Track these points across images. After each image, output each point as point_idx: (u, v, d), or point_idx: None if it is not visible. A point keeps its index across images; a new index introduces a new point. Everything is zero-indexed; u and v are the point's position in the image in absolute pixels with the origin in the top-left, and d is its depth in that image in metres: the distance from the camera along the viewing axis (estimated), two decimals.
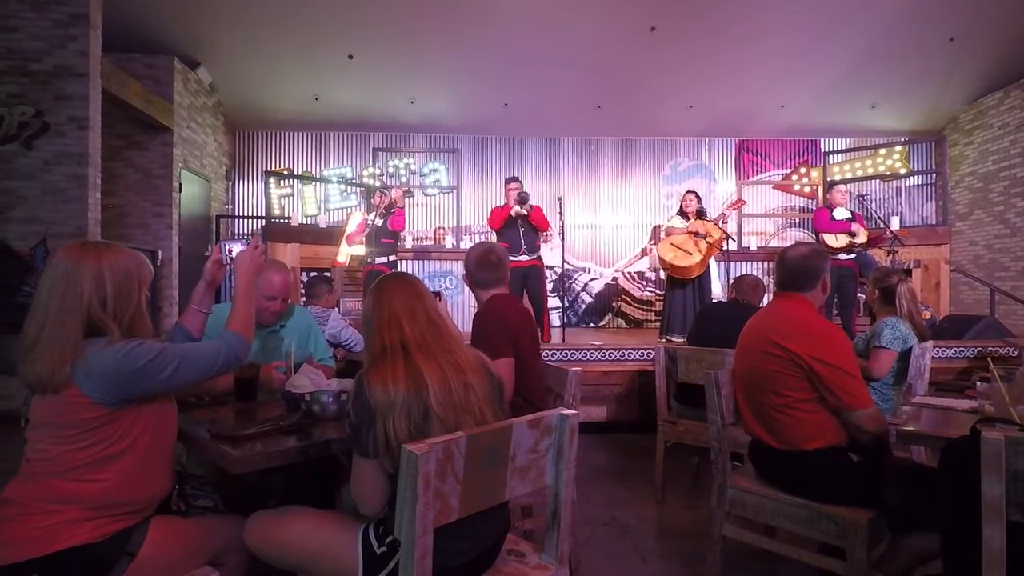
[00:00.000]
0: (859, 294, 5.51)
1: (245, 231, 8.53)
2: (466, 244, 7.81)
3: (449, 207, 8.65)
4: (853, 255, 5.26)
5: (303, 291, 5.83)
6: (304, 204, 8.56)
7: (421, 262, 7.43)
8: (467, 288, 2.32)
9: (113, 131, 6.13)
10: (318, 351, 2.29)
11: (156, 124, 6.35)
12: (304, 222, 8.26)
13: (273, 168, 8.65)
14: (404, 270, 6.30)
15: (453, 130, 8.70)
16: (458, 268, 7.14)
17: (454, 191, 8.59)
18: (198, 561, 1.43)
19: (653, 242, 7.58)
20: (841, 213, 5.27)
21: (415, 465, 1.07)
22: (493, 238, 5.47)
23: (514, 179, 5.34)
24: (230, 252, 1.68)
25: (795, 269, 1.98)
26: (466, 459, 1.17)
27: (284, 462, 1.40)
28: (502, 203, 5.31)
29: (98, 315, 1.30)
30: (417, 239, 8.30)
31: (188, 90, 6.96)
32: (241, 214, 8.60)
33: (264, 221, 7.60)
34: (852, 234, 5.14)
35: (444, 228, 8.57)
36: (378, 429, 1.24)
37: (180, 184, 6.74)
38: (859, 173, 8.51)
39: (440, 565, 1.17)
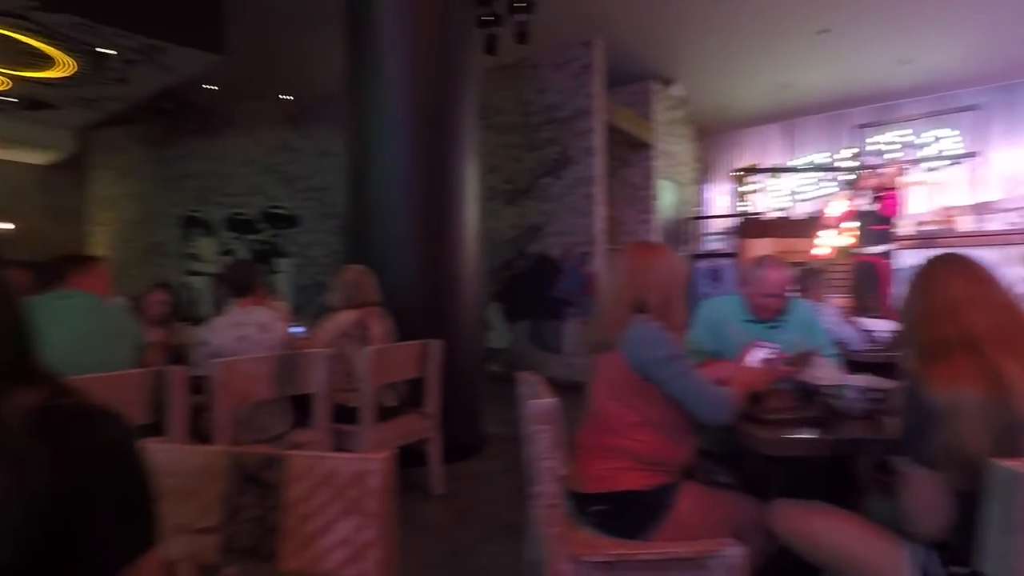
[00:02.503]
0: None
1: (714, 231, 8.87)
2: (994, 226, 6.03)
3: (962, 180, 6.88)
4: None
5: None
6: (774, 198, 8.30)
7: (926, 251, 6.14)
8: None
9: (608, 154, 7.32)
10: (822, 346, 2.14)
11: (640, 142, 7.27)
12: (776, 216, 8.01)
13: (740, 166, 8.71)
14: (904, 260, 5.32)
15: (966, 84, 6.88)
16: (982, 255, 5.57)
17: (970, 159, 6.78)
18: (723, 531, 1.52)
19: None
20: None
21: (1014, 487, 0.85)
22: None
23: None
24: (758, 352, 1.70)
25: None
26: None
27: (810, 453, 1.34)
28: None
29: (645, 298, 1.54)
30: (919, 224, 6.91)
31: (664, 107, 7.70)
32: (711, 214, 8.99)
33: (738, 218, 7.71)
34: None
35: (955, 207, 6.86)
36: (942, 436, 1.05)
37: (659, 193, 7.53)
38: None
39: None
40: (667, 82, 7.68)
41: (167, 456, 0.99)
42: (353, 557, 0.86)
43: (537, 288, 6.31)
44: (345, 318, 2.75)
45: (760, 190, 8.46)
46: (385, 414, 2.75)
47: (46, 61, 5.76)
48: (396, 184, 3.49)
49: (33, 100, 7.03)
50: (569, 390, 1.66)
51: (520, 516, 2.75)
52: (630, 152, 7.47)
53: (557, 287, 6.16)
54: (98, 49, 5.39)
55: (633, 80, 7.36)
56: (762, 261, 2.18)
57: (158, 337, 3.53)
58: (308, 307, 7.56)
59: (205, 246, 8.72)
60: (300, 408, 2.63)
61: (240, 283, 2.58)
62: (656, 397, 1.52)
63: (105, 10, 4.70)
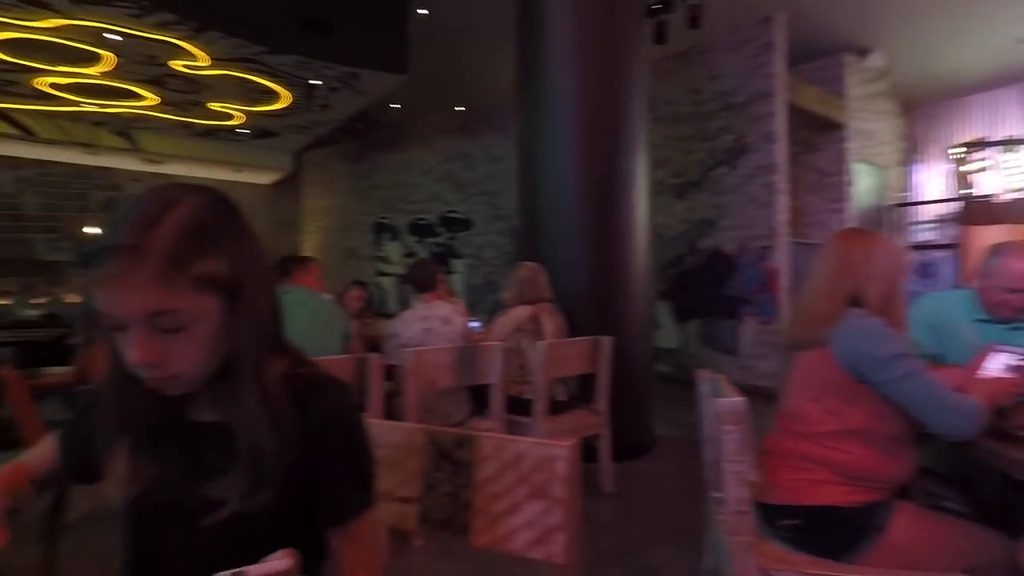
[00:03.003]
0: None
1: (925, 219, 7.64)
2: None
3: None
4: None
5: None
6: (1010, 176, 6.90)
7: None
8: None
9: (791, 139, 6.68)
10: None
11: (829, 123, 6.51)
12: (1013, 198, 6.66)
13: (962, 141, 7.39)
14: None
15: None
16: None
17: None
18: (950, 565, 1.29)
19: None
20: None
21: None
22: None
23: None
24: (999, 357, 1.43)
25: None
26: None
27: None
28: None
29: (861, 290, 1.39)
30: None
31: (859, 80, 6.81)
32: (921, 199, 7.75)
33: (959, 203, 6.57)
34: None
35: None
36: None
37: (853, 178, 6.68)
38: None
39: None
40: (863, 52, 6.78)
41: (374, 429, 1.11)
42: (539, 540, 0.88)
43: (709, 286, 5.98)
44: (519, 313, 2.86)
45: (989, 168, 7.09)
46: (556, 408, 2.80)
47: (272, 96, 6.83)
48: (565, 183, 3.55)
49: (261, 130, 8.39)
50: (746, 395, 1.53)
51: (694, 521, 2.63)
52: (817, 135, 6.74)
53: (732, 284, 5.77)
54: (310, 81, 6.26)
55: (821, 55, 6.63)
56: (1003, 249, 1.82)
57: (355, 329, 4.01)
58: (480, 305, 8.00)
59: (392, 249, 9.68)
60: (476, 398, 2.79)
61: (423, 280, 2.81)
62: (869, 402, 1.34)
63: (316, 46, 5.44)
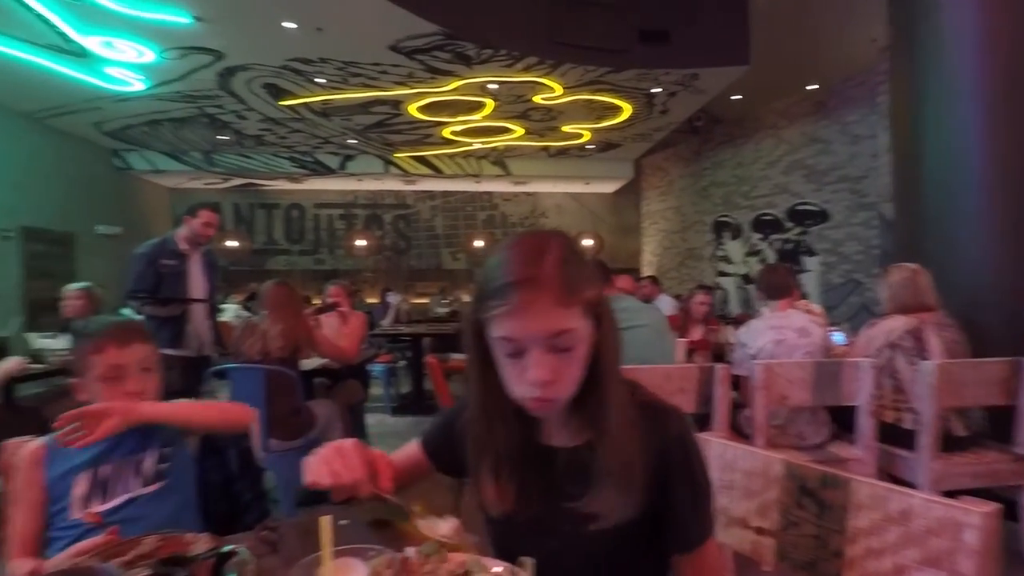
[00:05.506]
0: None
1: None
2: None
3: None
4: None
5: None
6: None
7: None
8: None
9: None
10: None
11: None
12: None
13: None
14: None
15: None
16: None
17: None
18: None
19: None
20: None
21: None
22: None
23: None
24: None
25: None
26: None
27: None
28: None
29: None
30: None
31: None
32: None
33: None
34: None
35: None
36: None
37: None
38: None
39: None
40: None
41: (723, 451, 1.09)
42: None
43: None
44: (893, 325, 2.40)
45: None
46: (950, 444, 2.25)
47: (615, 111, 7.31)
48: (962, 159, 2.82)
49: (606, 143, 9.04)
50: None
51: None
52: None
53: None
54: (652, 91, 6.48)
55: None
56: None
57: (701, 335, 3.97)
58: (839, 308, 6.99)
59: (733, 248, 9.24)
60: (838, 420, 2.46)
61: (775, 286, 2.60)
62: None
63: (656, 56, 5.61)
